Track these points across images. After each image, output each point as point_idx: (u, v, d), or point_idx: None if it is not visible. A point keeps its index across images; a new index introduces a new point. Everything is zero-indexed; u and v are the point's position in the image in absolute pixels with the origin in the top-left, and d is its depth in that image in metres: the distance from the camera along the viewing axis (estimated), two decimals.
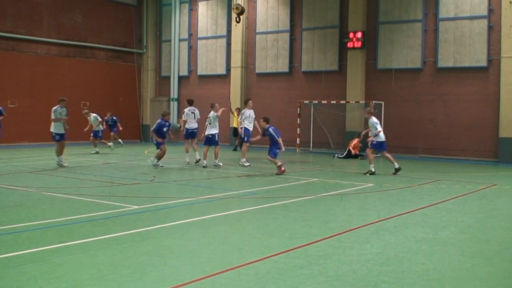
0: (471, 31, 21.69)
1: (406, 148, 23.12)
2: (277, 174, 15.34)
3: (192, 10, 29.98)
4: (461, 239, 7.82)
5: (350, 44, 23.91)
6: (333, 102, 24.01)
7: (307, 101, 24.99)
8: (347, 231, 8.08)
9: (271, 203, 10.51)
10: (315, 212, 9.65)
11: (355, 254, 6.76)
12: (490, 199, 11.81)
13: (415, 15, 23.00)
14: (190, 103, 19.08)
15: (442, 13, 22.32)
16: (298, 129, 24.58)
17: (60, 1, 27.42)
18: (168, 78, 30.80)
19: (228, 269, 5.99)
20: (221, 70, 28.84)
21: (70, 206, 10.02)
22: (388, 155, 16.39)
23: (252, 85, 27.85)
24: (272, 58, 27.03)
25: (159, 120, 17.16)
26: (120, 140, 25.93)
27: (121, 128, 25.70)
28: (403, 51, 23.29)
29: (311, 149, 24.84)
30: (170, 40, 30.58)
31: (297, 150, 24.41)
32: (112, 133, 25.40)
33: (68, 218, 8.79)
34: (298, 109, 24.75)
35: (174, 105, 30.26)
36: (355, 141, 21.77)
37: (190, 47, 30.11)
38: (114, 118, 25.68)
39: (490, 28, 21.25)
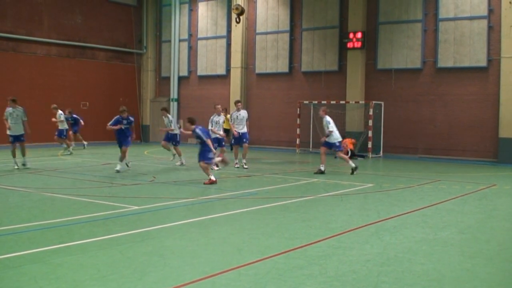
0: (471, 31, 21.69)
1: (406, 148, 23.13)
2: (205, 183, 13.19)
3: (192, 11, 29.97)
4: (461, 240, 7.82)
5: (350, 45, 23.91)
6: (333, 102, 24.01)
7: (307, 101, 24.99)
8: (347, 232, 8.09)
9: (271, 204, 10.51)
10: (315, 213, 9.66)
11: (355, 254, 6.76)
12: (490, 200, 11.81)
13: (415, 15, 23.00)
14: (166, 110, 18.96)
15: (442, 13, 22.32)
16: (298, 130, 24.58)
17: (60, 1, 27.41)
18: (168, 78, 30.80)
19: (228, 270, 5.99)
20: (221, 71, 28.84)
21: (70, 206, 10.02)
22: (342, 155, 16.22)
23: (252, 86, 27.85)
24: (272, 58, 27.03)
25: (116, 116, 16.18)
26: (84, 142, 24.10)
27: (82, 123, 23.86)
28: (403, 51, 23.29)
29: (310, 149, 24.84)
30: (170, 41, 30.58)
31: (297, 151, 24.41)
32: (71, 133, 23.18)
33: (68, 218, 8.79)
34: (298, 109, 24.74)
35: (174, 106, 30.26)
36: (347, 140, 21.91)
37: (190, 48, 30.11)
38: (75, 116, 23.63)
39: (490, 28, 21.25)
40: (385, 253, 6.87)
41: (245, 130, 17.23)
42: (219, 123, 16.79)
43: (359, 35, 23.65)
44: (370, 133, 22.68)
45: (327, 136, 16.11)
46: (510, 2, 20.37)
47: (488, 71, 21.41)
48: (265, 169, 17.05)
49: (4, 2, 25.24)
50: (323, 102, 24.30)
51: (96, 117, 27.51)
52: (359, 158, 21.35)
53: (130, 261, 6.31)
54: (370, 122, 22.65)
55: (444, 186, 13.77)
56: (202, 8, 29.50)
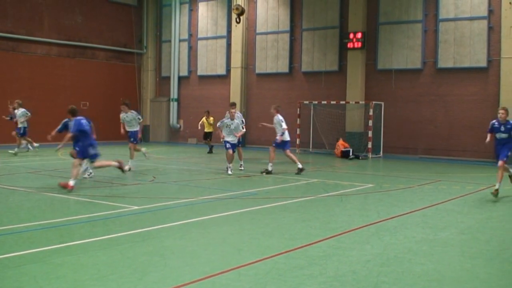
0: (471, 31, 21.70)
1: (406, 148, 23.14)
2: (60, 184, 11.70)
3: (192, 11, 29.98)
4: (461, 240, 7.82)
5: (350, 45, 23.92)
6: (333, 102, 24.02)
7: (307, 102, 25.00)
8: (347, 232, 8.09)
9: (271, 204, 10.51)
10: (315, 213, 9.65)
11: (355, 254, 6.76)
12: (490, 200, 11.80)
13: (415, 15, 23.01)
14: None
15: (442, 14, 22.33)
16: (298, 130, 24.58)
17: (60, 1, 27.42)
18: (168, 78, 30.81)
19: (228, 270, 5.99)
20: (221, 71, 28.84)
21: (70, 206, 10.03)
22: (290, 154, 15.92)
23: (252, 86, 27.85)
24: (272, 58, 27.04)
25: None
26: (29, 145, 21.97)
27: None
28: (403, 52, 23.30)
29: (311, 149, 24.84)
30: (170, 41, 30.59)
31: (297, 151, 24.41)
32: (14, 132, 21.36)
33: (68, 218, 8.79)
34: (298, 109, 24.75)
35: (174, 106, 30.28)
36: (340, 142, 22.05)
37: (190, 48, 30.12)
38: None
39: (490, 28, 21.26)
40: (385, 253, 6.87)
41: (235, 140, 15.84)
42: (230, 127, 15.50)
43: (359, 35, 23.66)
44: (370, 133, 22.69)
45: (282, 134, 15.75)
46: (510, 3, 20.39)
47: (488, 72, 21.42)
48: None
49: (4, 2, 25.25)
50: (323, 102, 24.35)
51: (96, 117, 27.43)
52: (360, 158, 21.40)
53: (130, 261, 6.31)
54: (370, 123, 22.66)
55: (444, 186, 13.77)
56: (202, 8, 29.51)
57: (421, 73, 23.01)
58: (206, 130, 23.62)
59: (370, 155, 22.49)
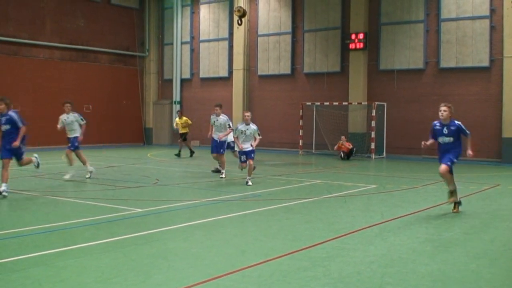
0: (473, 31, 21.67)
1: (409, 149, 23.07)
2: None
3: (194, 13, 30.02)
4: (465, 240, 7.81)
5: (352, 46, 23.92)
6: (336, 103, 24.01)
7: (309, 103, 24.99)
8: (351, 233, 8.07)
9: (274, 205, 10.50)
10: (318, 214, 9.64)
11: (359, 255, 6.75)
12: (493, 200, 11.79)
13: (417, 16, 23.00)
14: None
15: (444, 14, 22.31)
16: (300, 131, 24.57)
17: (62, 5, 27.49)
18: (171, 81, 30.85)
19: (232, 272, 5.99)
20: (223, 73, 28.86)
21: (73, 209, 10.04)
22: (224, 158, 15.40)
23: (254, 87, 27.86)
24: (274, 60, 27.05)
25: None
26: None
27: None
28: (405, 52, 23.28)
29: (314, 151, 24.83)
30: (172, 43, 30.63)
31: (300, 152, 24.40)
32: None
33: (72, 221, 8.79)
34: (301, 111, 24.73)
35: (176, 108, 30.29)
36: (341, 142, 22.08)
37: (192, 50, 30.15)
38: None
39: (492, 28, 21.23)
40: (389, 254, 6.86)
41: (224, 138, 15.49)
42: (245, 133, 14.00)
43: (361, 36, 23.66)
44: (373, 134, 22.67)
45: (227, 134, 15.35)
46: None
47: (491, 71, 21.38)
48: (268, 171, 17.03)
49: (6, 6, 25.33)
50: (325, 103, 24.33)
51: (99, 120, 27.56)
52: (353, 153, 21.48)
53: (134, 264, 6.31)
54: (373, 123, 22.64)
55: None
56: (204, 11, 29.54)
57: (424, 73, 22.98)
58: (181, 131, 22.59)
59: (373, 155, 22.46)
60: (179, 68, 30.39)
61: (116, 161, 20.01)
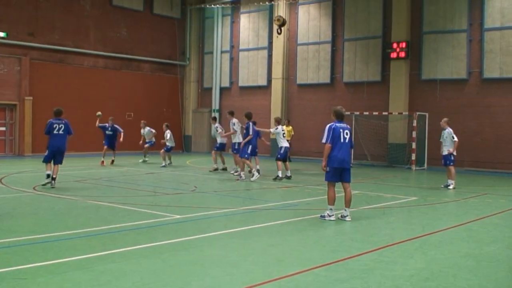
0: None
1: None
2: None
3: (234, 22, 30.25)
4: (508, 255, 7.59)
5: (393, 55, 23.68)
6: (375, 113, 23.76)
7: (348, 112, 24.74)
8: (390, 245, 7.94)
9: (312, 215, 10.43)
10: (356, 225, 9.53)
11: (399, 269, 6.63)
12: None
13: (460, 25, 22.60)
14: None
15: (488, 23, 21.87)
16: None
17: (105, 14, 28.13)
18: (210, 89, 31.12)
19: (268, 281, 5.96)
20: (262, 82, 28.95)
21: (114, 214, 10.19)
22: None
23: (293, 96, 27.84)
24: (313, 69, 26.98)
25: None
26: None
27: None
28: (447, 62, 22.90)
29: (352, 161, 24.56)
30: (212, 52, 30.94)
31: None
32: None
33: (112, 226, 8.93)
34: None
35: (216, 116, 30.49)
36: None
37: (231, 59, 30.37)
38: (115, 126, 21.53)
39: None
40: (430, 268, 6.72)
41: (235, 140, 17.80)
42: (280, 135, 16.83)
43: (403, 45, 23.39)
44: (413, 145, 22.32)
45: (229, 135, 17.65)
46: None
47: None
48: (306, 181, 16.96)
49: (52, 15, 26.07)
50: (365, 113, 24.11)
51: (140, 128, 27.93)
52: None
53: (172, 270, 6.36)
54: (414, 134, 22.30)
55: (491, 200, 13.41)
56: (244, 20, 29.74)
57: (467, 83, 22.54)
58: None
59: (413, 167, 22.10)
60: (219, 76, 30.64)
61: (155, 168, 20.27)
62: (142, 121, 23.23)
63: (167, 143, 21.22)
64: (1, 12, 24.46)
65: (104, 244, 7.69)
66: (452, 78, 22.80)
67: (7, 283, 5.73)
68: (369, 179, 17.98)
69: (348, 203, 9.87)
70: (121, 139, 21.16)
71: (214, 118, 21.28)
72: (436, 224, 9.78)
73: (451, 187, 15.30)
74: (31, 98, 25.23)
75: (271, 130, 16.75)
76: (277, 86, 27.81)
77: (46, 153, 13.86)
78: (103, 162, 20.60)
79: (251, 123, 16.49)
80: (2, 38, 24.39)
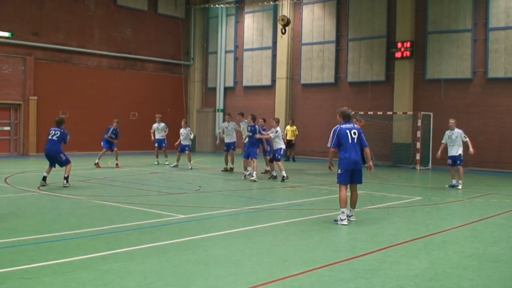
0: None
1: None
2: None
3: (238, 22, 30.26)
4: None
5: (398, 54, 23.66)
6: (380, 113, 23.73)
7: (353, 112, 24.71)
8: (394, 245, 7.94)
9: (316, 215, 10.44)
10: (360, 225, 9.52)
11: (403, 269, 6.63)
12: None
13: (464, 25, 22.55)
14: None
15: (492, 23, 21.82)
16: None
17: (110, 14, 28.20)
18: (214, 89, 31.15)
19: (272, 281, 5.97)
20: (267, 81, 28.96)
21: (119, 214, 10.21)
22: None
23: (297, 96, 27.83)
24: (317, 69, 26.97)
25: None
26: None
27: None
28: (452, 61, 22.85)
29: None
30: (216, 52, 30.96)
31: None
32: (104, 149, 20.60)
33: (117, 226, 8.96)
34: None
35: (219, 116, 30.54)
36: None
37: (236, 59, 30.39)
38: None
39: None
40: (434, 268, 6.71)
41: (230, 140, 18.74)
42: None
43: (407, 44, 23.36)
44: (418, 145, 22.29)
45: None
46: None
47: None
48: (310, 180, 16.96)
49: (56, 15, 26.15)
50: (369, 112, 24.08)
51: (144, 127, 27.99)
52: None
53: (176, 269, 6.38)
54: (419, 133, 22.27)
55: (495, 199, 13.38)
56: (248, 20, 29.75)
57: (471, 83, 22.50)
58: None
59: (418, 167, 22.07)
60: (223, 76, 30.67)
61: (159, 168, 20.31)
62: (157, 115, 22.49)
63: (183, 142, 20.53)
64: (5, 12, 24.55)
65: (108, 243, 7.71)
66: (457, 77, 22.75)
67: (12, 282, 5.75)
68: (373, 179, 17.96)
69: (353, 204, 9.81)
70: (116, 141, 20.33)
71: (242, 114, 19.40)
72: (440, 224, 9.77)
73: (460, 186, 15.28)
74: (35, 98, 25.32)
75: (271, 135, 16.61)
76: (281, 86, 27.81)
77: None
78: (97, 164, 19.86)
79: (257, 126, 17.05)
80: (7, 38, 24.49)
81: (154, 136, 21.97)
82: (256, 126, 17.07)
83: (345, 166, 9.61)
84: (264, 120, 18.80)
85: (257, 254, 7.27)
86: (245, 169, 17.00)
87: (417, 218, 10.58)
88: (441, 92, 23.18)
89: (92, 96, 27.22)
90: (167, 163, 21.38)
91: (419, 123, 22.29)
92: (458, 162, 15.38)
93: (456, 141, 15.35)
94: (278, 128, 16.77)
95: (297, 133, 24.97)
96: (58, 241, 7.81)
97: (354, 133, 9.70)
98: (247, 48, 29.83)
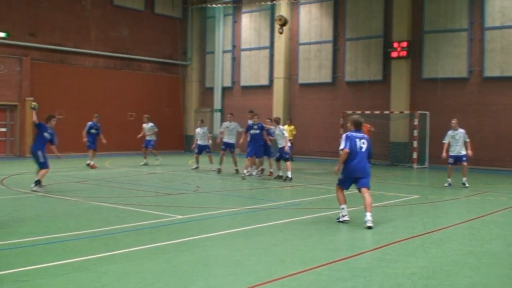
0: None
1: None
2: None
3: (236, 22, 30.26)
4: (509, 252, 7.61)
5: (394, 54, 23.69)
6: (377, 112, 23.76)
7: (350, 112, 24.77)
8: (392, 244, 7.96)
9: (314, 214, 10.46)
10: (359, 224, 9.54)
11: (400, 267, 6.65)
12: None
13: (461, 24, 22.60)
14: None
15: (488, 22, 21.87)
16: None
17: (106, 14, 28.15)
18: (212, 89, 31.13)
19: (271, 280, 5.99)
20: (264, 81, 28.96)
21: (116, 215, 10.21)
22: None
23: (295, 96, 27.85)
24: (315, 68, 26.99)
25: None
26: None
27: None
28: (448, 61, 22.89)
29: None
30: (214, 52, 30.94)
31: None
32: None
33: (114, 227, 8.95)
34: (341, 119, 24.56)
35: (217, 116, 30.53)
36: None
37: (233, 59, 30.39)
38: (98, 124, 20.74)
39: None
40: (431, 266, 6.74)
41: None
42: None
43: (404, 44, 23.40)
44: (415, 144, 22.34)
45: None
46: None
47: None
48: (308, 180, 16.97)
49: (53, 15, 26.11)
50: (366, 112, 24.09)
51: (142, 128, 27.97)
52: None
53: (175, 270, 6.38)
54: (415, 132, 22.32)
55: (492, 198, 13.42)
56: (245, 20, 29.75)
57: (468, 82, 22.54)
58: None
59: (415, 165, 22.12)
60: (221, 76, 30.65)
61: (157, 168, 20.30)
62: (145, 115, 22.62)
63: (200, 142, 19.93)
64: (1, 12, 24.50)
65: (106, 245, 7.71)
66: (453, 77, 22.79)
67: (8, 285, 5.74)
68: (371, 178, 17.96)
69: (367, 207, 9.34)
70: (104, 140, 20.25)
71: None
72: (438, 222, 9.80)
73: (467, 184, 15.38)
74: (32, 98, 25.20)
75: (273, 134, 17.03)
76: (279, 86, 27.82)
77: None
78: (91, 164, 19.88)
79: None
80: (3, 38, 24.43)
81: (145, 136, 21.98)
82: (263, 125, 17.35)
83: (348, 173, 9.67)
84: (271, 120, 18.36)
85: (256, 254, 7.29)
86: (248, 167, 17.16)
87: (414, 216, 10.62)
88: (437, 91, 23.22)
89: (89, 96, 27.16)
90: (157, 163, 21.34)
91: (416, 122, 22.33)
92: (464, 159, 15.48)
93: (459, 141, 15.45)
94: (279, 127, 16.83)
95: (295, 132, 24.98)
96: (55, 243, 7.80)
97: (363, 143, 9.75)
98: (245, 48, 29.83)
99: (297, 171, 19.14)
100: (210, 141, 20.13)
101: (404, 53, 23.44)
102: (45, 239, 7.97)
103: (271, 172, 17.55)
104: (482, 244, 8.05)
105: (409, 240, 8.24)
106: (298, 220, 9.91)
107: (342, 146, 9.60)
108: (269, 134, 17.35)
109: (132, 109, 28.92)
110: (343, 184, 9.80)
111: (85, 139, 20.12)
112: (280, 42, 27.58)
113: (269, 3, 28.07)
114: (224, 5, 30.24)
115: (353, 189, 9.99)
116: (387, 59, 24.34)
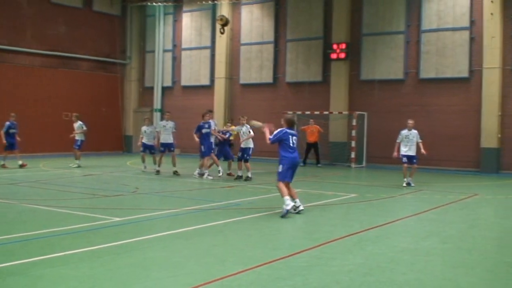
0: (453, 42, 21.96)
1: (389, 158, 23.10)
2: None
3: (177, 21, 29.99)
4: (443, 249, 7.87)
5: (334, 56, 24.09)
6: (317, 112, 24.11)
7: (290, 112, 24.99)
8: (330, 242, 8.09)
9: (254, 214, 10.49)
10: (298, 223, 9.66)
11: (338, 264, 6.77)
12: (471, 209, 11.91)
13: (398, 27, 23.24)
14: None
15: (425, 25, 22.58)
16: None
17: (43, 11, 27.28)
18: (152, 88, 30.72)
19: (211, 281, 5.96)
20: (205, 81, 28.84)
21: (51, 218, 9.92)
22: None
23: (236, 96, 27.88)
24: (256, 69, 27.11)
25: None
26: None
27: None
28: (386, 63, 23.49)
29: None
30: (154, 51, 30.55)
31: None
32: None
33: (49, 230, 8.68)
34: (282, 120, 24.67)
35: (157, 116, 30.15)
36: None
37: (174, 58, 30.10)
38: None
39: (472, 39, 21.54)
40: (368, 263, 6.89)
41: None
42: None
43: (343, 46, 23.83)
44: (353, 143, 22.81)
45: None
46: (491, 14, 20.65)
47: (470, 82, 21.67)
48: (249, 180, 17.02)
49: None
50: (307, 112, 24.41)
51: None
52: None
53: (112, 273, 6.26)
54: (354, 132, 22.80)
55: (426, 196, 13.87)
56: (186, 19, 29.54)
57: (404, 83, 23.20)
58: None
59: (353, 165, 22.59)
60: (161, 76, 30.30)
61: (95, 169, 19.85)
62: (74, 114, 21.83)
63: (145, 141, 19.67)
64: None
65: (41, 248, 7.48)
66: (390, 78, 23.41)
67: None
68: (310, 177, 18.24)
69: (296, 195, 10.71)
70: (18, 139, 19.84)
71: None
72: (374, 220, 10.03)
73: (412, 184, 15.79)
74: None
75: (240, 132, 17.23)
76: (220, 86, 27.78)
77: None
78: (4, 165, 19.31)
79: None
80: None
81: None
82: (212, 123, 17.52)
83: (289, 165, 10.67)
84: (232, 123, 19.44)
85: (196, 255, 7.24)
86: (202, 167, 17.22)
87: (352, 215, 10.84)
88: (375, 92, 23.80)
89: (25, 96, 26.22)
90: (75, 165, 20.44)
91: (354, 123, 22.82)
92: (415, 161, 15.88)
93: (413, 141, 15.85)
94: (248, 126, 16.82)
95: (235, 133, 24.98)
96: None
97: (295, 139, 10.99)
98: (186, 47, 29.61)
99: (236, 171, 19.14)
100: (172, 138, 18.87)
101: (343, 55, 23.88)
102: None
103: (230, 173, 17.64)
104: (417, 241, 8.30)
105: (346, 238, 8.40)
106: (239, 220, 9.93)
107: (271, 137, 11.02)
108: (224, 134, 17.86)
109: (69, 108, 28.07)
110: (285, 176, 10.57)
111: (4, 141, 19.48)
112: (222, 42, 27.54)
113: (210, 2, 27.98)
114: (164, 3, 29.88)
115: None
116: (327, 61, 24.73)
